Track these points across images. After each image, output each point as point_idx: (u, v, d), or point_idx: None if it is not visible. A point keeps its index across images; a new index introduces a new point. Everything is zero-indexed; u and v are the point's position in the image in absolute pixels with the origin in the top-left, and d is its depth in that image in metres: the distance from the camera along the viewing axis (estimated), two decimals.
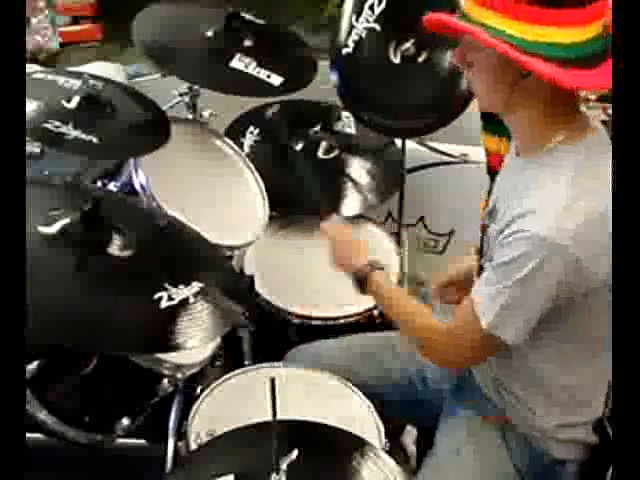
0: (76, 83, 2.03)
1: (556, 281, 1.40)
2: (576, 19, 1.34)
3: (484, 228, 1.59)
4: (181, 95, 2.38)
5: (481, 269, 1.58)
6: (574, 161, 1.43)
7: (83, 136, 1.90)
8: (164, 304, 1.46)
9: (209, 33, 2.28)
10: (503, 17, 1.34)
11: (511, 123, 1.53)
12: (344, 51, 2.43)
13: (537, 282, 1.40)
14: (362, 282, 1.72)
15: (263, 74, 2.24)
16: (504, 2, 1.34)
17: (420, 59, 2.40)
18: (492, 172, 1.73)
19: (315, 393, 1.80)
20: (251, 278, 2.06)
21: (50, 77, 2.09)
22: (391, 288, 1.75)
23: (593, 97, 2.48)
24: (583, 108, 1.51)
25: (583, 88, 1.41)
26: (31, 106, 1.91)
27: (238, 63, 2.25)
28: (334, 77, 2.46)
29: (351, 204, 2.48)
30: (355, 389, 1.79)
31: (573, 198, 1.39)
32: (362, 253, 1.78)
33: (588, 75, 1.35)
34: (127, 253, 1.56)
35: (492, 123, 1.70)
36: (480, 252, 1.61)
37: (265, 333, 2.17)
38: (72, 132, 1.89)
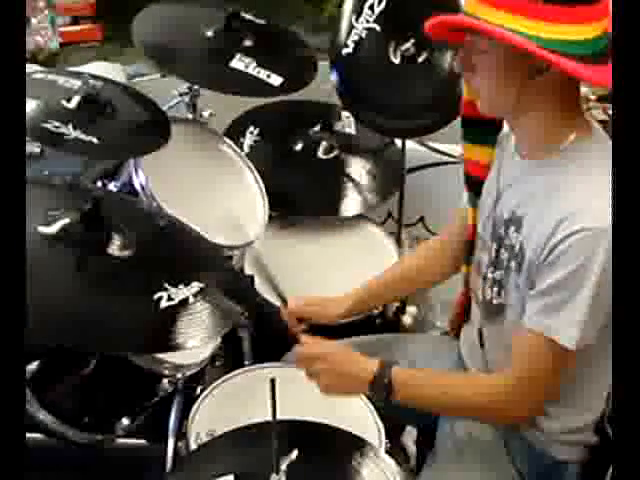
0: (76, 83, 2.03)
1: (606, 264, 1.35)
2: (588, 15, 1.34)
3: (500, 238, 1.54)
4: (181, 95, 2.38)
5: (497, 283, 1.55)
6: (592, 159, 1.42)
7: (83, 136, 1.90)
8: (164, 304, 1.46)
9: (209, 33, 2.28)
10: (516, 17, 1.33)
11: (519, 125, 1.51)
12: (344, 51, 2.43)
13: (607, 275, 1.34)
14: (387, 389, 1.50)
15: (263, 74, 2.24)
16: (518, 2, 1.33)
17: (420, 59, 2.40)
18: (474, 180, 1.72)
19: (315, 393, 1.79)
20: (251, 278, 2.06)
21: (50, 77, 2.09)
22: (419, 370, 1.64)
23: (593, 97, 2.48)
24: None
25: (604, 83, 1.39)
26: (31, 106, 1.91)
27: (238, 63, 2.25)
28: (334, 77, 2.46)
29: (351, 204, 2.48)
30: None
31: (603, 192, 1.35)
32: (358, 359, 1.56)
33: (605, 70, 1.35)
34: (127, 253, 1.56)
35: (473, 131, 1.69)
36: (494, 263, 1.56)
37: (265, 333, 2.17)
38: (72, 132, 1.89)
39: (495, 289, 1.56)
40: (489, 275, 1.57)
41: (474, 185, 1.71)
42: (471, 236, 1.69)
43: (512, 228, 1.50)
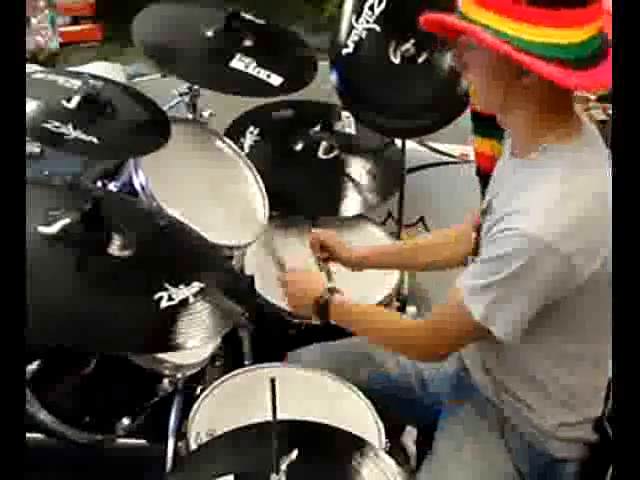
0: (76, 83, 2.03)
1: (546, 279, 1.40)
2: (574, 20, 1.35)
3: (478, 228, 1.59)
4: (181, 95, 2.38)
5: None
6: (566, 160, 1.43)
7: (83, 136, 1.90)
8: (164, 304, 1.46)
9: (209, 33, 2.28)
10: (503, 18, 1.35)
11: (507, 123, 1.54)
12: (344, 51, 2.43)
13: (527, 280, 1.41)
14: (323, 309, 1.74)
15: (263, 74, 2.25)
16: (504, 3, 1.34)
17: (420, 59, 2.40)
18: (482, 174, 1.73)
19: (315, 393, 1.80)
20: (251, 278, 2.06)
21: (50, 77, 2.09)
22: (355, 305, 1.77)
23: (593, 97, 2.48)
24: (577, 108, 1.52)
25: (582, 87, 1.42)
26: (31, 106, 1.91)
27: (238, 63, 2.25)
28: (334, 77, 2.46)
29: (351, 204, 2.48)
30: (355, 389, 1.79)
31: (564, 196, 1.40)
32: (314, 284, 1.80)
33: (586, 75, 1.36)
34: (127, 253, 1.56)
35: (482, 125, 1.70)
36: (474, 252, 1.60)
37: (265, 333, 2.17)
38: (72, 132, 1.89)
39: None
40: (469, 262, 1.61)
41: (484, 177, 1.73)
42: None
43: (483, 218, 1.56)
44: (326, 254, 1.99)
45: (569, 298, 1.45)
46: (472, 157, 2.74)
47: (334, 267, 2.01)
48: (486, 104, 1.55)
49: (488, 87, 1.48)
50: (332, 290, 1.77)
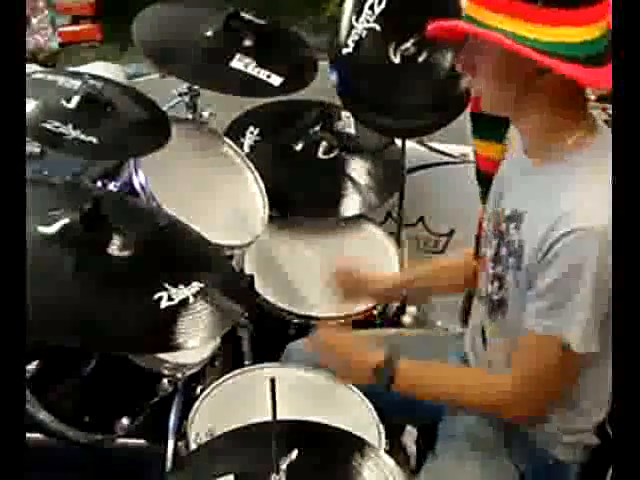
0: (76, 83, 2.03)
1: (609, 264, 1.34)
2: (586, 18, 1.34)
3: (501, 233, 1.54)
4: (181, 95, 2.38)
5: (497, 278, 1.55)
6: (595, 161, 1.42)
7: (83, 136, 1.90)
8: (164, 304, 1.46)
9: (209, 33, 2.28)
10: (516, 20, 1.33)
11: (521, 125, 1.52)
12: (344, 51, 2.43)
13: (605, 275, 1.34)
14: (387, 376, 1.59)
15: (263, 74, 2.24)
16: (518, 6, 1.33)
17: (420, 59, 2.40)
18: (483, 176, 1.72)
19: (315, 393, 1.80)
20: (251, 278, 2.06)
21: (50, 77, 2.09)
22: (426, 365, 1.65)
23: (593, 97, 2.47)
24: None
25: (602, 85, 1.40)
26: (31, 106, 1.91)
27: (238, 63, 2.25)
28: (334, 77, 2.46)
29: (351, 204, 2.48)
30: (355, 389, 1.79)
31: (598, 193, 1.36)
32: (369, 347, 1.66)
33: (602, 72, 1.35)
34: (127, 253, 1.56)
35: (482, 127, 1.69)
36: (494, 258, 1.56)
37: (265, 333, 2.17)
38: (72, 132, 1.89)
39: (496, 284, 1.56)
40: (490, 270, 1.58)
41: (484, 180, 1.71)
42: (480, 230, 1.70)
43: (512, 225, 1.51)
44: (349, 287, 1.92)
45: None
46: (472, 157, 2.75)
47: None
48: (497, 107, 1.52)
49: (500, 90, 1.46)
50: (395, 354, 1.60)
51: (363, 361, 1.63)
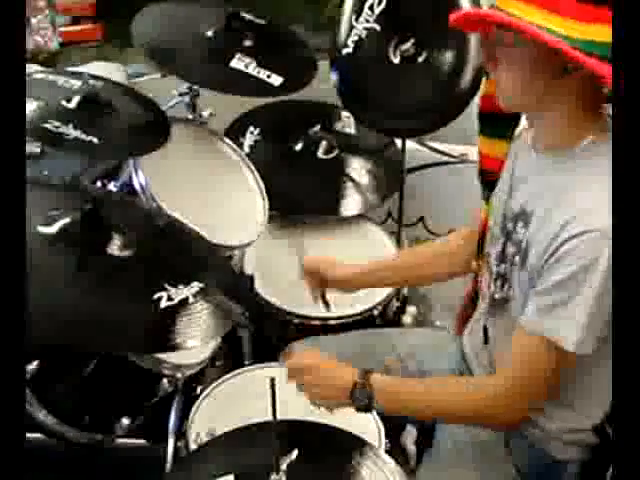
0: (76, 83, 2.04)
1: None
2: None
3: (508, 232, 1.54)
4: (181, 95, 2.39)
5: (501, 276, 1.54)
6: (606, 161, 1.41)
7: (83, 136, 1.90)
8: (164, 304, 1.46)
9: (209, 33, 2.28)
10: (548, 14, 1.31)
11: (538, 122, 1.50)
12: (344, 51, 2.43)
13: (608, 280, 1.34)
14: (367, 399, 1.50)
15: (263, 74, 2.25)
16: (554, 0, 1.32)
17: (420, 59, 2.40)
18: (487, 174, 1.72)
19: None
20: (251, 278, 2.06)
21: (50, 77, 2.09)
22: (402, 381, 1.60)
23: None
24: None
25: None
26: (31, 106, 1.91)
27: (238, 63, 2.25)
28: (334, 77, 2.46)
29: (351, 204, 2.48)
30: None
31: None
32: (340, 369, 1.54)
33: None
34: (127, 253, 1.56)
35: (491, 125, 1.69)
36: (500, 257, 1.56)
37: (265, 333, 2.17)
38: (72, 132, 1.89)
39: (499, 283, 1.56)
40: (494, 269, 1.58)
41: (489, 179, 1.71)
42: (483, 230, 1.69)
43: (520, 223, 1.50)
44: (319, 280, 1.87)
45: None
46: (472, 157, 2.76)
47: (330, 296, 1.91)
48: (517, 103, 1.49)
49: (523, 86, 1.43)
50: (367, 372, 1.51)
51: (338, 384, 1.52)
